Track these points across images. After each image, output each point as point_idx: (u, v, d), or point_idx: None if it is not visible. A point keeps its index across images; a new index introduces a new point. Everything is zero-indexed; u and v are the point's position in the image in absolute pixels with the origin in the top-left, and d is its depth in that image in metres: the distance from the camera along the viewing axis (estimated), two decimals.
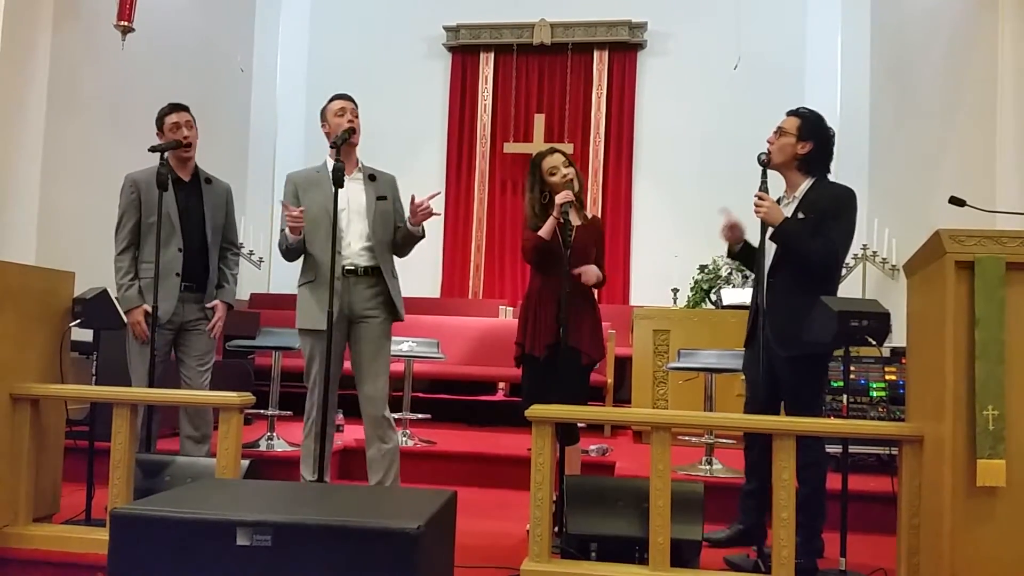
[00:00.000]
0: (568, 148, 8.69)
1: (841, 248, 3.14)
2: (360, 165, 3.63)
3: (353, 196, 3.53)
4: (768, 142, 3.23)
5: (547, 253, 3.45)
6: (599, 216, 3.60)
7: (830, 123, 3.27)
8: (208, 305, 3.80)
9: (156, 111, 3.79)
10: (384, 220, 3.63)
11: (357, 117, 3.61)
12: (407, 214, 3.57)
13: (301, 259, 3.60)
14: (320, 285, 3.49)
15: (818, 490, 3.09)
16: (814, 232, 3.07)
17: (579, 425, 3.67)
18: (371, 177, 3.64)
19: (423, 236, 3.67)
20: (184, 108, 3.78)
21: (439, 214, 3.59)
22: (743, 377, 3.55)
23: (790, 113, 3.25)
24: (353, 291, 3.53)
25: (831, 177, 3.27)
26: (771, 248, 3.13)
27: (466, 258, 9.05)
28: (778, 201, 3.20)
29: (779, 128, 3.22)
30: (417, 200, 3.48)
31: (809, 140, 3.17)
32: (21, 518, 3.06)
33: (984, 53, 4.87)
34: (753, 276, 3.36)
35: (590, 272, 3.47)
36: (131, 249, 3.70)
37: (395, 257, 3.70)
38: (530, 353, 3.51)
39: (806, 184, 3.20)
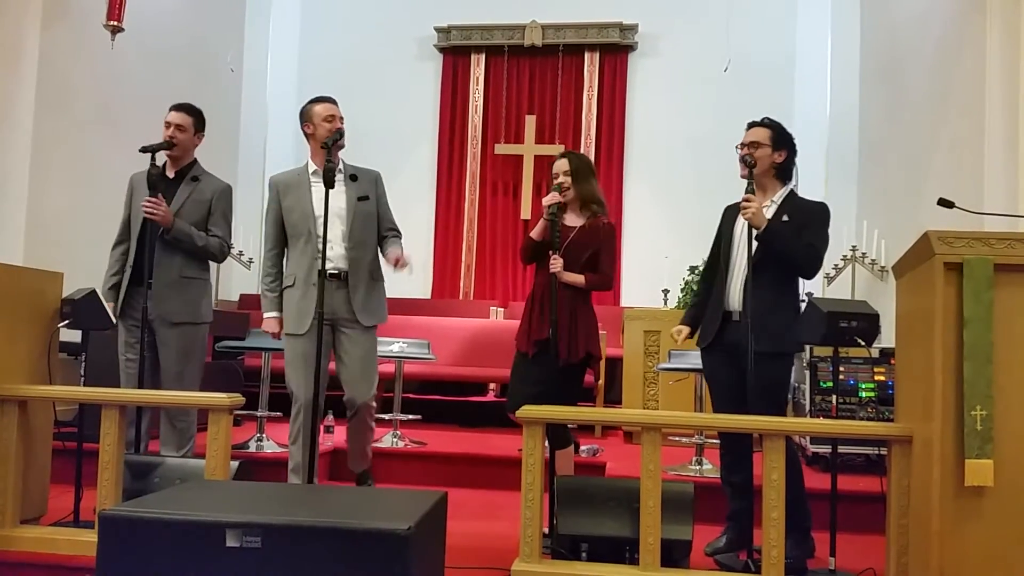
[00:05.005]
0: (559, 150, 8.70)
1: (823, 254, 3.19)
2: (342, 165, 3.63)
3: (334, 198, 3.48)
4: (742, 157, 3.21)
5: (536, 252, 3.53)
6: (610, 222, 3.58)
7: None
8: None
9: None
10: (365, 221, 3.65)
11: (342, 120, 3.64)
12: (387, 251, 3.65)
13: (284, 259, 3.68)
14: (299, 288, 3.53)
15: (797, 490, 3.07)
16: (797, 235, 3.12)
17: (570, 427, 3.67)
18: (352, 177, 3.66)
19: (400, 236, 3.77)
20: (180, 109, 3.79)
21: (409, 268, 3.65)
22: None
23: (755, 124, 3.27)
24: (335, 295, 3.55)
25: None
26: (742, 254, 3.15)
27: (457, 259, 9.04)
28: None
29: (752, 142, 3.23)
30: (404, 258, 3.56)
31: (783, 148, 3.23)
32: (8, 520, 3.04)
33: (973, 55, 4.89)
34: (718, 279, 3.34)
35: (555, 265, 3.40)
36: (121, 244, 3.79)
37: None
38: (522, 350, 3.55)
39: (782, 192, 3.24)
